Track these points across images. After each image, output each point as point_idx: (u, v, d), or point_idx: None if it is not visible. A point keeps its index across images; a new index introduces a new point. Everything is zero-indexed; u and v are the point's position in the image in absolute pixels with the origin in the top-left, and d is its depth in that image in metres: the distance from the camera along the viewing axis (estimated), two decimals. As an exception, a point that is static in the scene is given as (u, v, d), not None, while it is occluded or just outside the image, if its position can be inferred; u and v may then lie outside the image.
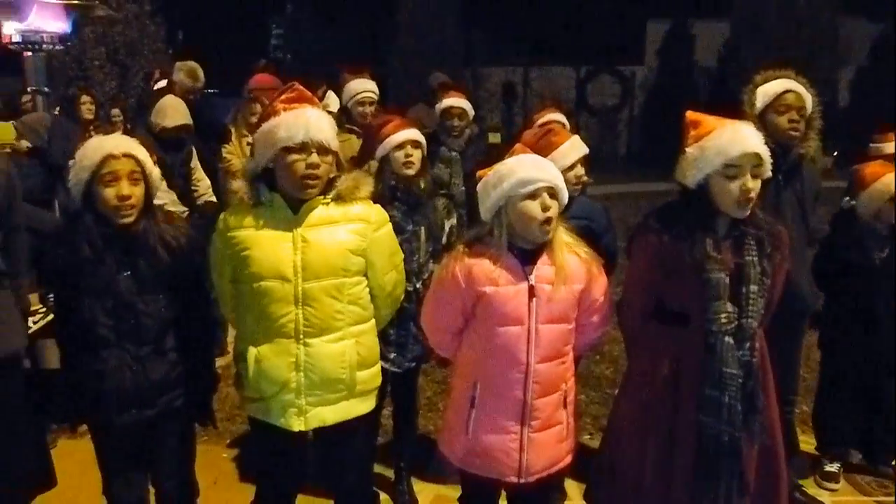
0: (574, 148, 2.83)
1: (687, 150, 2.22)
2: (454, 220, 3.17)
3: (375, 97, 4.66)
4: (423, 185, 2.98)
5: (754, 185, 2.14)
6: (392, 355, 2.89)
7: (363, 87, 4.62)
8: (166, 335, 2.33)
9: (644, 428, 2.33)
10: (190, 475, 2.56)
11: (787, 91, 2.94)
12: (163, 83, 5.05)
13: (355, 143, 4.27)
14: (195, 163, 4.63)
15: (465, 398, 2.27)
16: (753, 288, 2.20)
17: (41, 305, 2.92)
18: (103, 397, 2.28)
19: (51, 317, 2.87)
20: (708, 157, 2.15)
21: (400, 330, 2.90)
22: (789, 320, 2.73)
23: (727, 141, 2.14)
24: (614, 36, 18.25)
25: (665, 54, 17.89)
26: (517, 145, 2.34)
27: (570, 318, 2.25)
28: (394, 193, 2.88)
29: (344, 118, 4.53)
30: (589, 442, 3.70)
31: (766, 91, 2.96)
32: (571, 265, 2.21)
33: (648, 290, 2.34)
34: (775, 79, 2.99)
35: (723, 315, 2.18)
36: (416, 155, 2.96)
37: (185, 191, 4.44)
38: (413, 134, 2.96)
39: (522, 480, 2.26)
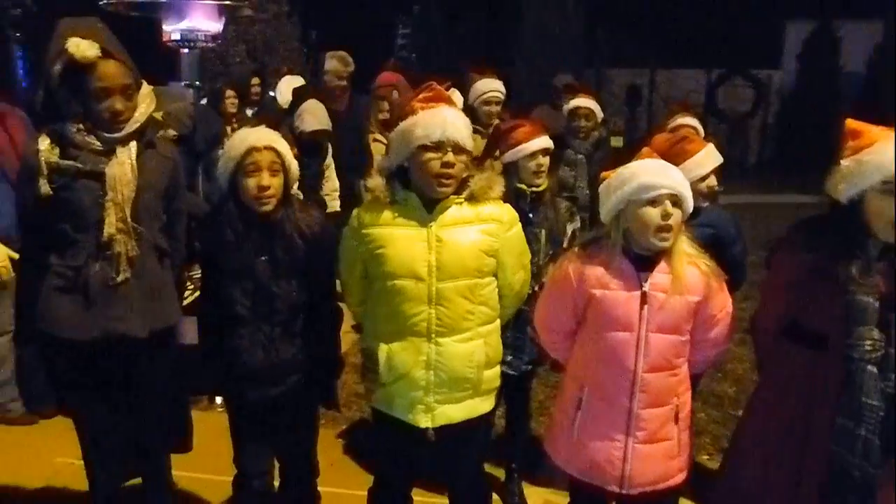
0: (709, 157, 2.73)
1: (842, 161, 2.07)
2: (577, 224, 3.12)
3: (502, 97, 4.66)
4: (545, 188, 2.97)
5: None
6: (508, 358, 2.87)
7: (490, 86, 4.64)
8: (296, 318, 2.44)
9: (770, 454, 2.22)
10: (311, 454, 2.68)
11: None
12: (295, 80, 5.26)
13: (479, 142, 4.30)
14: (329, 161, 4.77)
15: (573, 400, 2.27)
16: None
17: (189, 283, 3.14)
18: (238, 373, 2.42)
19: (196, 294, 3.07)
20: (865, 171, 2.01)
21: (517, 333, 2.90)
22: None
23: (889, 156, 1.98)
24: (749, 38, 17.34)
25: (806, 58, 16.88)
26: (645, 149, 2.27)
27: (684, 329, 2.18)
28: (517, 196, 2.89)
29: (469, 117, 4.57)
30: (707, 462, 3.58)
31: None
32: (689, 276, 2.14)
33: (786, 308, 2.22)
34: None
35: (867, 342, 2.04)
36: (546, 162, 2.96)
37: (314, 190, 4.62)
38: (545, 142, 2.95)
39: (624, 491, 2.22)
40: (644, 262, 2.14)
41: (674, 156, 2.51)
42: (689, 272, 2.14)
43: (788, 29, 18.43)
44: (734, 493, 2.36)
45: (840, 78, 16.54)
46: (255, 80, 5.43)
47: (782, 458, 2.19)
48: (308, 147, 4.44)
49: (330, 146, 4.69)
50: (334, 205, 4.84)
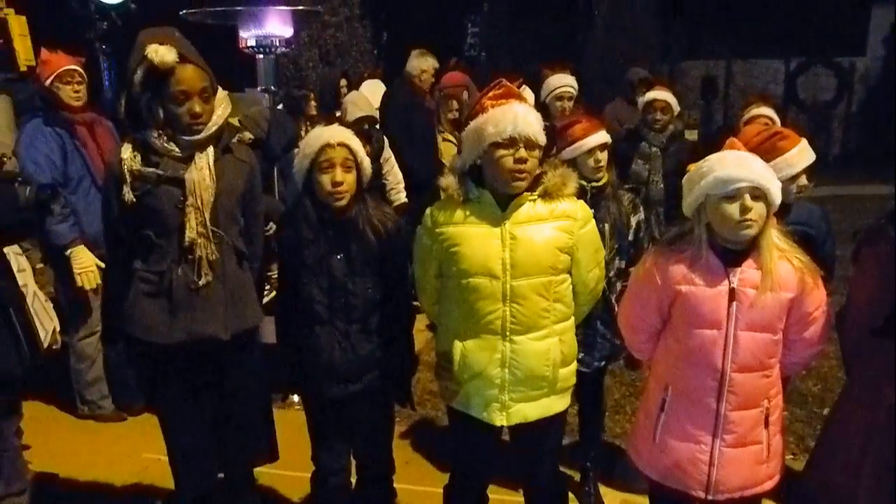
0: (802, 155, 2.58)
1: None
2: (641, 216, 3.06)
3: (574, 92, 4.64)
4: (606, 183, 2.93)
5: None
6: (580, 355, 2.84)
7: (562, 81, 4.62)
8: (372, 315, 2.47)
9: (860, 457, 2.13)
10: (387, 452, 2.70)
11: None
12: (375, 83, 5.38)
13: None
14: (387, 154, 4.81)
15: (657, 401, 2.21)
16: None
17: (266, 283, 3.21)
18: (316, 370, 2.47)
19: (273, 294, 3.14)
20: None
21: (587, 329, 2.86)
22: None
23: None
24: (831, 24, 16.58)
25: (894, 43, 16.05)
26: (729, 140, 2.17)
27: (776, 328, 2.09)
28: (578, 192, 2.84)
29: (541, 113, 4.55)
30: (791, 462, 3.43)
31: None
32: (781, 271, 2.04)
33: (877, 304, 2.11)
34: None
35: None
36: (605, 158, 2.92)
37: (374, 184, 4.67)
38: (603, 137, 2.92)
39: (710, 497, 2.14)
40: (732, 256, 2.07)
41: (765, 151, 2.36)
42: (781, 267, 2.05)
43: (875, 14, 17.55)
44: (823, 494, 2.26)
45: (931, 63, 15.66)
46: (343, 83, 5.55)
47: (874, 463, 2.10)
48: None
49: (386, 139, 4.73)
50: (400, 197, 4.90)
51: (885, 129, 13.94)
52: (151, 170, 2.33)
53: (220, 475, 2.71)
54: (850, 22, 17.22)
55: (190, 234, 2.36)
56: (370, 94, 5.06)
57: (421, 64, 5.49)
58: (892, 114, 13.53)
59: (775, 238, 2.08)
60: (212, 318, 2.43)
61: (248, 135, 4.15)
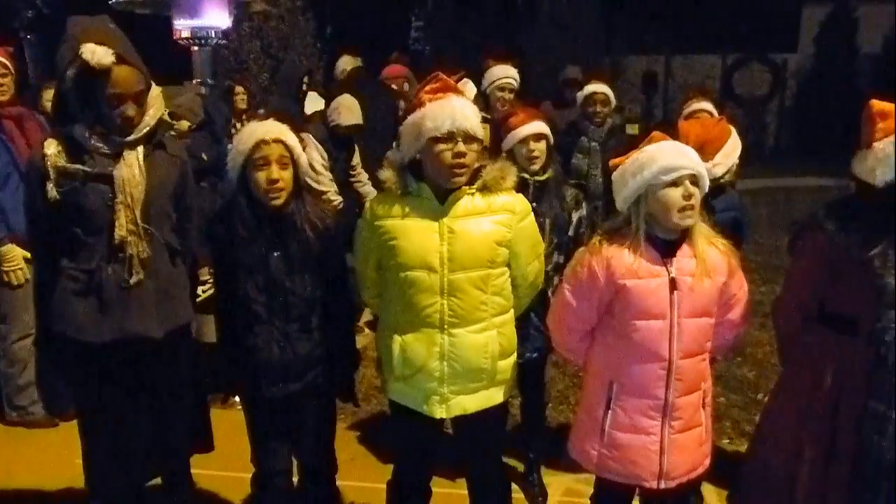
0: (736, 146, 2.73)
1: (875, 144, 2.04)
2: (583, 212, 3.10)
3: (516, 84, 4.66)
4: (549, 177, 2.95)
5: None
6: None
7: (505, 72, 4.64)
8: (312, 313, 2.43)
9: (799, 438, 2.20)
10: (330, 450, 2.67)
11: None
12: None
13: (486, 132, 4.29)
14: (356, 160, 4.77)
15: (600, 400, 2.22)
16: None
17: (210, 277, 3.14)
18: (255, 370, 2.42)
19: (211, 291, 3.07)
20: None
21: (522, 321, 2.86)
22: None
23: None
24: (765, 21, 17.12)
25: (823, 40, 16.64)
26: (654, 133, 2.24)
27: (712, 311, 2.17)
28: (520, 185, 2.86)
29: (482, 104, 4.56)
30: (728, 446, 3.54)
31: None
32: (713, 256, 2.12)
33: (812, 292, 2.19)
34: None
35: None
36: (540, 148, 2.93)
37: (344, 184, 4.62)
38: (537, 128, 2.93)
39: (663, 485, 2.18)
40: (666, 246, 2.12)
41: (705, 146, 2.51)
42: (711, 252, 2.12)
43: (805, 12, 18.17)
44: (763, 477, 2.33)
45: (858, 60, 16.30)
46: (307, 80, 5.48)
47: (813, 443, 2.17)
48: (341, 141, 4.45)
49: (357, 147, 4.71)
50: (367, 189, 4.83)
51: (816, 123, 14.47)
52: (77, 166, 2.25)
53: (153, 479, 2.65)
54: (783, 20, 17.78)
55: (120, 232, 2.29)
56: (312, 107, 4.98)
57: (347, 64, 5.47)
58: (823, 109, 14.01)
59: (703, 226, 2.14)
60: (144, 316, 2.37)
61: (185, 123, 4.06)
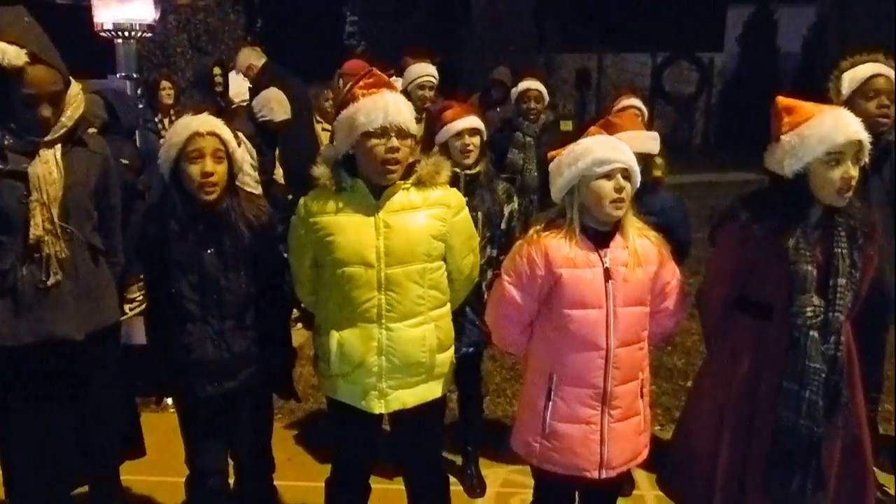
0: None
1: (782, 137, 2.14)
2: (515, 205, 3.14)
3: (435, 81, 4.67)
4: (480, 171, 2.98)
5: (855, 173, 2.08)
6: None
7: (424, 70, 4.64)
8: (246, 311, 2.40)
9: (721, 420, 2.29)
10: (267, 449, 2.64)
11: (876, 75, 2.86)
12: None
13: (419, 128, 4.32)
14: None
15: (540, 392, 2.24)
16: (842, 281, 2.13)
17: (139, 294, 3.03)
18: (188, 369, 2.37)
19: (143, 306, 2.97)
20: (809, 144, 2.07)
21: (457, 316, 2.89)
22: (875, 313, 2.62)
23: (830, 128, 2.06)
24: (692, 22, 17.66)
25: (746, 40, 17.28)
26: (592, 128, 2.31)
27: (646, 300, 2.23)
28: (453, 179, 2.88)
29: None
30: (659, 433, 3.64)
31: (854, 76, 2.89)
32: (644, 247, 2.19)
33: (731, 280, 2.29)
34: (863, 63, 2.91)
35: (809, 309, 2.12)
36: (475, 142, 2.97)
37: (268, 178, 4.54)
38: (471, 122, 2.97)
39: (604, 475, 2.22)
40: (599, 238, 2.17)
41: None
42: (643, 243, 2.19)
43: (730, 13, 18.81)
44: (688, 458, 2.41)
45: (778, 59, 16.99)
46: (217, 71, 5.27)
47: (732, 424, 2.26)
48: (270, 136, 4.37)
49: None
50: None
51: (740, 119, 14.99)
52: None
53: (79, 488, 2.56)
54: (709, 20, 18.37)
55: (35, 231, 2.20)
56: (237, 88, 4.86)
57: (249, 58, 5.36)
58: (746, 106, 14.52)
59: (633, 218, 2.21)
60: (63, 318, 2.29)
61: (91, 129, 3.86)
